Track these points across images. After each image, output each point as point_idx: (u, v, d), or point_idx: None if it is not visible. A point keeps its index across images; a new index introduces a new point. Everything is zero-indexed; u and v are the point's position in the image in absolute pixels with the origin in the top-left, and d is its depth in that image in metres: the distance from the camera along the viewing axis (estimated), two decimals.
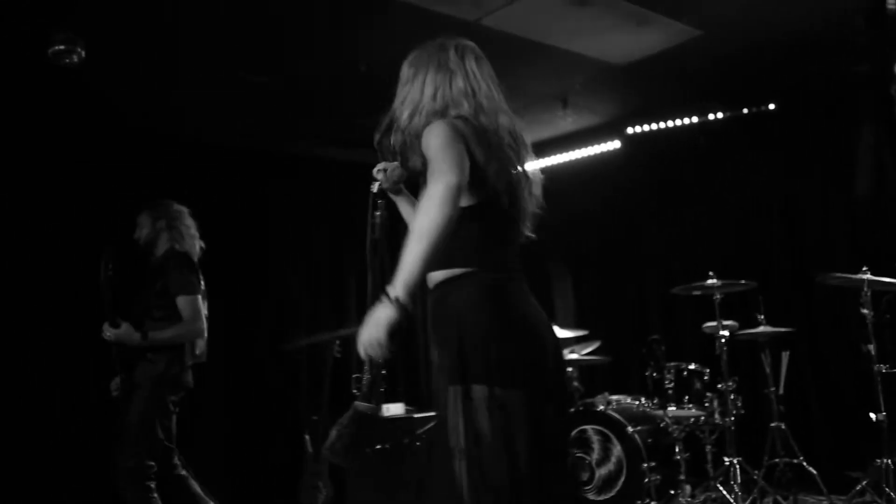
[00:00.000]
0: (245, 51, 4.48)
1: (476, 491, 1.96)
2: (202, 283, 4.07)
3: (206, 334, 4.05)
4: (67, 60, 3.79)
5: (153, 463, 3.83)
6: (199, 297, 4.01)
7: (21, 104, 4.91)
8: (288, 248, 6.29)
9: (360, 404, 2.53)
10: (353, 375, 2.56)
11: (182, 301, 3.94)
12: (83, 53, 3.73)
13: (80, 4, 3.69)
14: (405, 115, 2.24)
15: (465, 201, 2.03)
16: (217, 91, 5.02)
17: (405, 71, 2.32)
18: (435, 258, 1.93)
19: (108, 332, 3.83)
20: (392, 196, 2.51)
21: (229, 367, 5.81)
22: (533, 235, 2.27)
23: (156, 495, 3.83)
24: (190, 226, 4.17)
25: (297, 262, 6.31)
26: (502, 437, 1.98)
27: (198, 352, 4.07)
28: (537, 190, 2.30)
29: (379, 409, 2.55)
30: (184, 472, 3.99)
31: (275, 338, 6.05)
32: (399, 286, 1.91)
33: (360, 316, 2.11)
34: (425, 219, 1.90)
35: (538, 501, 1.99)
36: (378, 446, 5.08)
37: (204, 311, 4.02)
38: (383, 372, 2.56)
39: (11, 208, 4.94)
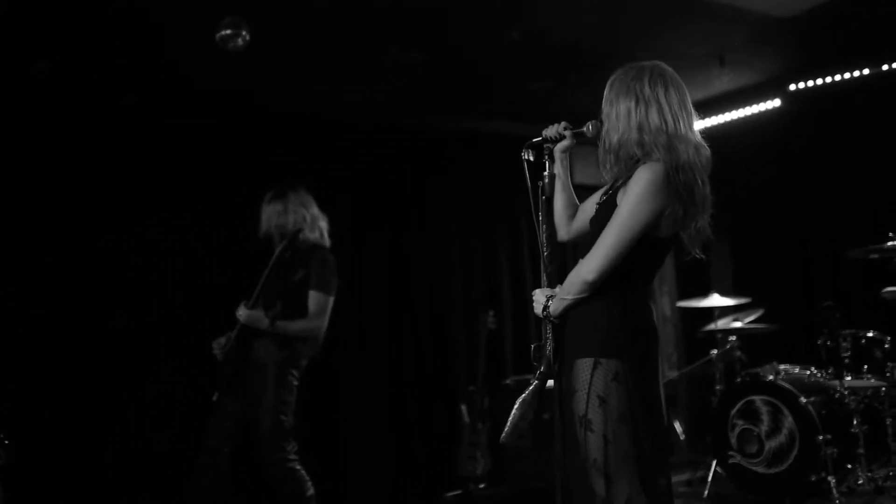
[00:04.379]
0: (397, 27, 4.50)
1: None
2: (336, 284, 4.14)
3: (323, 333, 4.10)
4: (232, 45, 3.91)
5: (293, 444, 3.94)
6: (332, 298, 4.07)
7: (178, 89, 5.11)
8: (441, 223, 6.34)
9: (543, 375, 2.48)
10: (534, 345, 2.53)
11: (315, 296, 4.01)
12: (248, 37, 3.84)
13: None
14: (614, 139, 2.48)
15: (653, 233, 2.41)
16: (369, 69, 5.07)
17: (607, 95, 2.54)
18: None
19: (243, 312, 3.90)
20: (557, 156, 2.68)
21: (390, 339, 5.94)
22: (702, 255, 2.55)
23: (302, 471, 3.95)
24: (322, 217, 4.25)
25: (452, 236, 6.35)
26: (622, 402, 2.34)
27: (316, 345, 4.16)
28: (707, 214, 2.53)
29: (560, 378, 2.51)
30: (295, 464, 3.97)
31: (431, 310, 6.14)
32: (555, 305, 2.47)
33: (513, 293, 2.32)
34: (575, 282, 2.42)
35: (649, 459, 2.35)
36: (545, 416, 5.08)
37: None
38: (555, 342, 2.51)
39: (157, 197, 5.11)
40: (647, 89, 2.44)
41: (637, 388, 2.35)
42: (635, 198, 2.36)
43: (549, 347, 2.48)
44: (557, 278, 2.56)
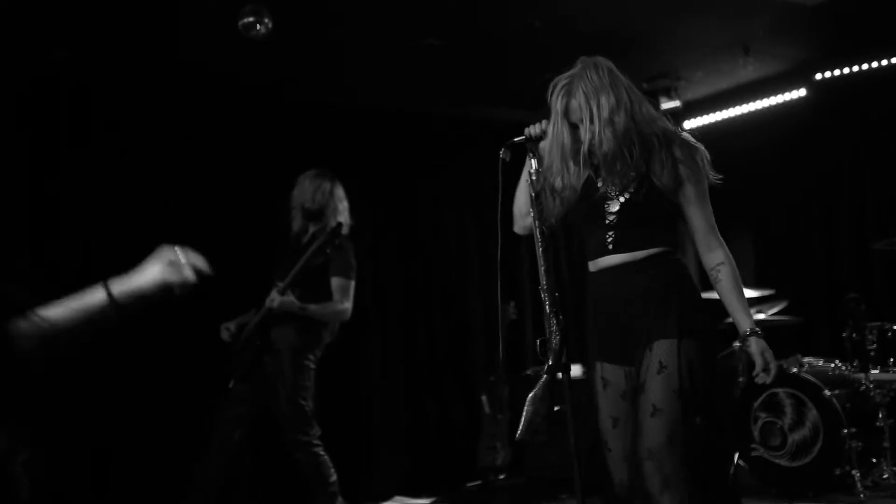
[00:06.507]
0: (418, 13, 4.48)
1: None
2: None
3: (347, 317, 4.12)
4: (254, 32, 3.91)
5: (316, 429, 3.97)
6: (353, 282, 4.09)
7: (197, 77, 5.09)
8: (458, 212, 6.33)
9: (552, 369, 2.49)
10: (539, 339, 2.53)
11: (338, 282, 4.03)
12: (270, 25, 3.84)
13: None
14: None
15: None
16: (388, 56, 5.05)
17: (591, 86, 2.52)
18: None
19: (275, 298, 3.88)
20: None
21: (407, 329, 5.95)
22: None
23: (325, 457, 3.97)
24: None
25: (469, 226, 6.34)
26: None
27: (334, 330, 4.18)
28: None
29: (568, 372, 2.51)
30: (319, 449, 3.99)
31: (450, 300, 6.13)
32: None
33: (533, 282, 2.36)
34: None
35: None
36: (558, 407, 5.06)
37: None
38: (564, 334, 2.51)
39: (164, 186, 5.03)
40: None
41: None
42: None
43: (555, 340, 2.47)
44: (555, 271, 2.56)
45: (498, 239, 2.56)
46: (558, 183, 2.58)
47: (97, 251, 4.74)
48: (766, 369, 2.44)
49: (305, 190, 4.14)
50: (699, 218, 2.52)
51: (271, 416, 4.03)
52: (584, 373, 5.55)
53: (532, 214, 2.51)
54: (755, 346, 2.46)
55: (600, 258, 2.59)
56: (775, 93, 6.00)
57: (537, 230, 2.51)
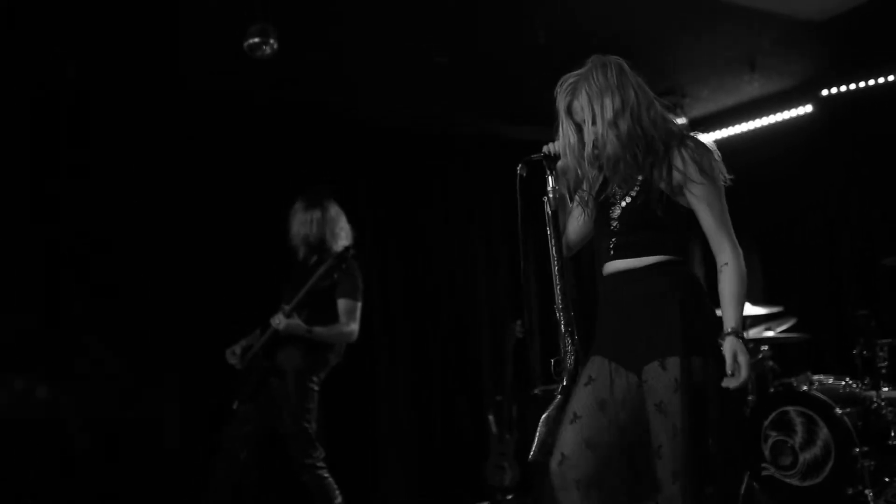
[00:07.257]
0: (425, 30, 4.49)
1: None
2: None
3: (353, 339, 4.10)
4: (260, 53, 3.92)
5: (320, 451, 3.95)
6: (360, 303, 4.07)
7: (208, 94, 5.10)
8: (465, 229, 6.32)
9: (567, 389, 2.46)
10: (554, 359, 2.51)
11: (344, 303, 4.01)
12: (275, 45, 3.86)
13: None
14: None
15: None
16: (394, 72, 5.05)
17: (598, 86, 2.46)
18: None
19: (281, 321, 3.86)
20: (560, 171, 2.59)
21: (414, 348, 5.92)
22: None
23: (330, 479, 3.94)
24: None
25: (475, 243, 6.33)
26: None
27: (340, 352, 4.16)
28: None
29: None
30: (323, 472, 3.96)
31: (457, 319, 6.10)
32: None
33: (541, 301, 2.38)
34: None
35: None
36: None
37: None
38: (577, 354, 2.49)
39: (170, 198, 5.00)
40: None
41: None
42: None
43: (569, 360, 2.45)
44: (571, 291, 2.53)
45: (520, 257, 2.57)
46: (579, 184, 2.54)
47: (97, 252, 4.75)
48: (733, 373, 2.27)
49: (302, 223, 4.11)
50: (707, 217, 2.39)
51: (278, 436, 4.01)
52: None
53: (549, 233, 2.50)
54: (728, 345, 2.30)
55: (605, 264, 2.52)
56: (782, 109, 6.01)
57: (553, 248, 2.50)
